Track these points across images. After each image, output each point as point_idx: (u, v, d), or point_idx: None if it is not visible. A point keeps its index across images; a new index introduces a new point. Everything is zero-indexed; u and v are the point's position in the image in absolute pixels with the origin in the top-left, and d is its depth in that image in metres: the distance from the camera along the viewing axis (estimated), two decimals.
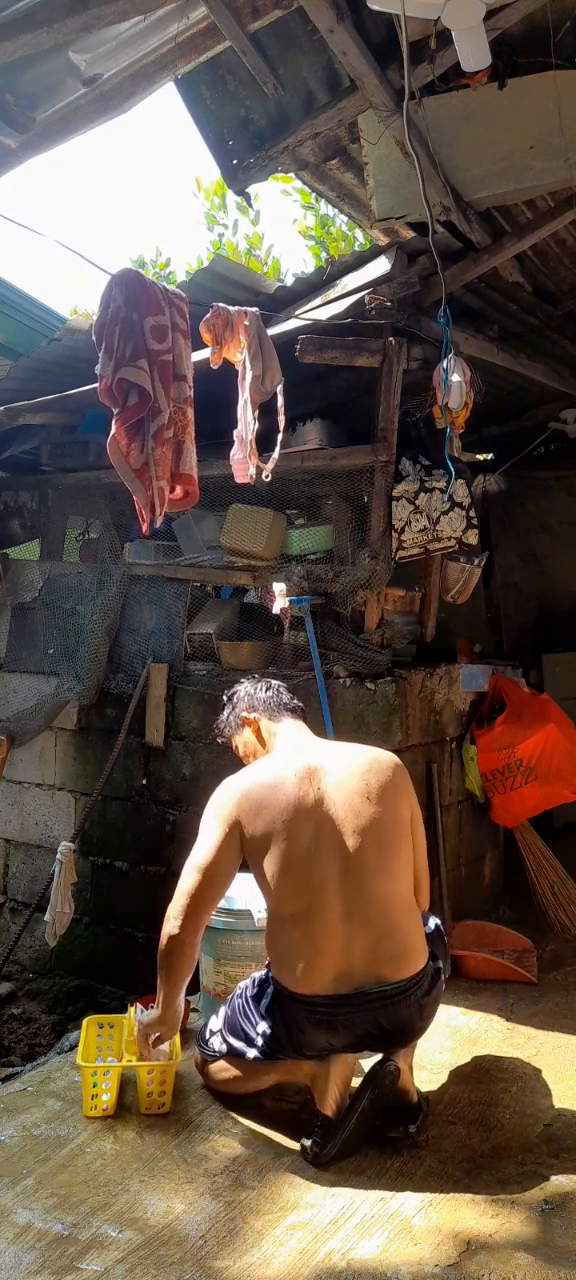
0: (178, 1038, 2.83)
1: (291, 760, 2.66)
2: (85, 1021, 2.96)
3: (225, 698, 3.03)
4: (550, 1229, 2.16)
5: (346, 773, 2.62)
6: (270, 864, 2.52)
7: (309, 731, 2.88)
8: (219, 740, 3.05)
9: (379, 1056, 2.56)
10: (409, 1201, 2.27)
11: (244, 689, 2.96)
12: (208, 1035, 2.79)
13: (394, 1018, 2.50)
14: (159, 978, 2.61)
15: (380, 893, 2.52)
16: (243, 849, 2.58)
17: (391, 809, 2.60)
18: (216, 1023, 2.78)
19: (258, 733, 2.87)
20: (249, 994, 2.68)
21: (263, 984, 2.65)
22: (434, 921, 2.84)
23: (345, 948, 2.48)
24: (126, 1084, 2.74)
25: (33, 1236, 2.11)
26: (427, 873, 2.83)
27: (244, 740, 2.92)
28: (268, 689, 2.92)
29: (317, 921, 2.48)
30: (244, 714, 2.91)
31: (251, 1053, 2.62)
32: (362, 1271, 2.02)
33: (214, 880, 2.56)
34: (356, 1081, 2.60)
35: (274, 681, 2.99)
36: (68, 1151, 2.47)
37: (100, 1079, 2.66)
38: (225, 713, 2.99)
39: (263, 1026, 2.59)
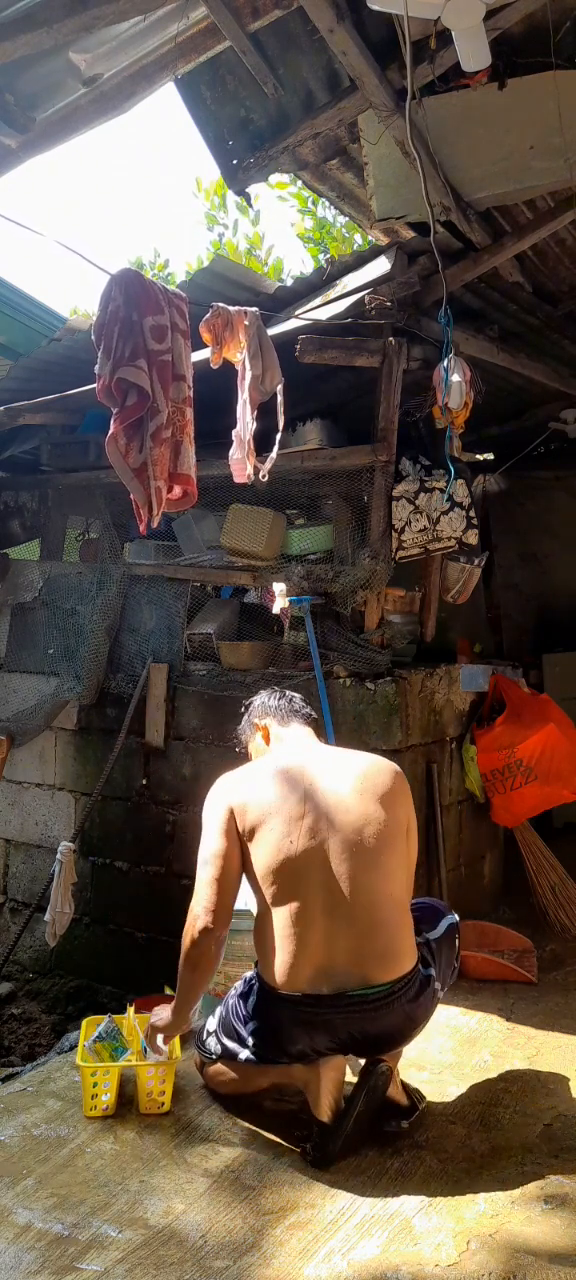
0: (177, 1039, 2.83)
1: (285, 758, 2.73)
2: (85, 1022, 2.96)
3: (243, 707, 3.09)
4: (550, 1229, 2.16)
5: (341, 773, 2.65)
6: (257, 854, 2.54)
7: (315, 738, 2.90)
8: (237, 749, 3.10)
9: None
10: (409, 1201, 2.27)
11: (259, 697, 3.03)
12: (204, 1036, 2.80)
13: (378, 1024, 2.47)
14: (181, 978, 2.59)
15: (367, 888, 2.50)
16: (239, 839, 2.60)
17: (386, 811, 2.58)
18: (212, 1023, 2.78)
19: (266, 737, 2.92)
20: (239, 992, 2.69)
21: (250, 982, 2.66)
22: (447, 922, 2.82)
23: (326, 942, 2.47)
24: (126, 1083, 2.74)
25: (33, 1236, 2.11)
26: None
27: (255, 745, 2.97)
28: (280, 697, 2.98)
29: (299, 912, 2.48)
30: (256, 720, 2.97)
31: (243, 1054, 2.62)
32: (362, 1271, 2.02)
33: (227, 866, 2.57)
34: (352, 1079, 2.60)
35: (289, 691, 3.04)
36: (68, 1151, 2.48)
37: (100, 1079, 2.66)
38: (243, 721, 3.06)
39: (250, 1026, 2.59)
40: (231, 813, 2.59)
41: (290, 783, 2.60)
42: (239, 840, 2.59)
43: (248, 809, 2.58)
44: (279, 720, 2.91)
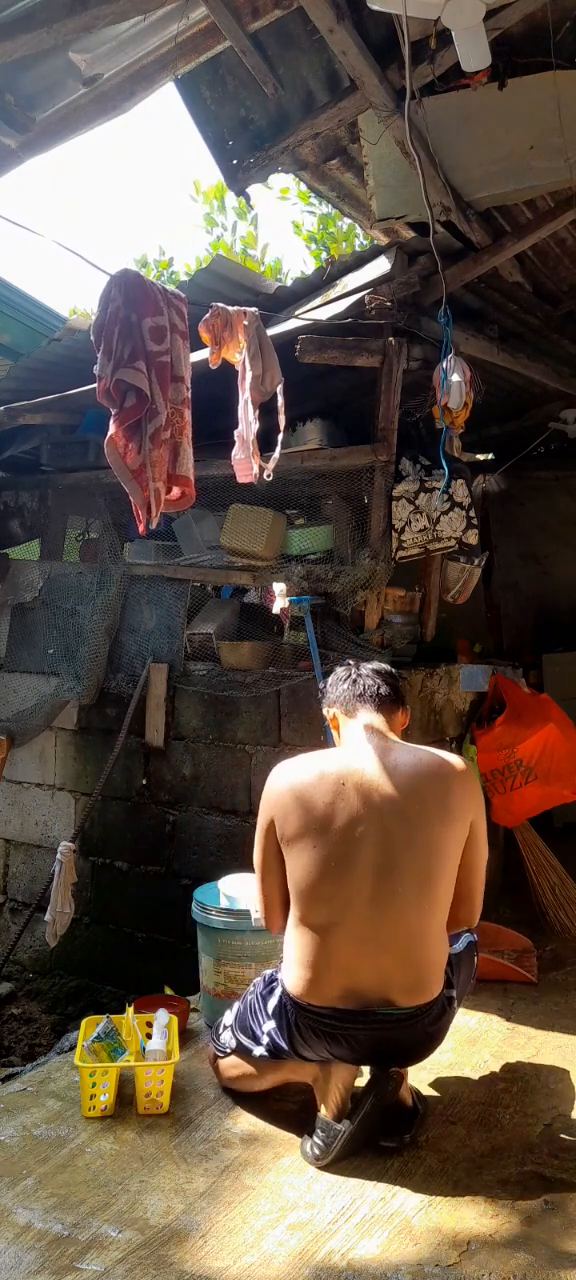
0: (176, 1038, 2.83)
1: (339, 765, 2.53)
2: (84, 1022, 2.96)
3: (319, 693, 2.95)
4: (550, 1229, 2.16)
5: (400, 786, 2.47)
6: (296, 869, 2.50)
7: (382, 726, 2.64)
8: None
9: None
10: (409, 1201, 2.27)
11: (330, 680, 2.83)
12: (220, 1030, 2.80)
13: (399, 1040, 2.48)
14: None
15: (408, 926, 2.44)
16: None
17: (442, 829, 2.47)
18: (229, 1018, 2.79)
19: (337, 727, 2.77)
20: (259, 991, 2.69)
21: (272, 983, 2.65)
22: (467, 939, 2.79)
23: (356, 968, 2.44)
24: (125, 1084, 2.74)
25: (33, 1236, 2.11)
26: (482, 886, 2.65)
27: (335, 734, 2.82)
28: (347, 680, 2.74)
29: (335, 940, 2.45)
30: (325, 710, 2.82)
31: (257, 1050, 2.62)
32: (362, 1271, 2.02)
33: (269, 874, 2.61)
34: (360, 1081, 2.61)
35: (364, 669, 2.76)
36: (67, 1151, 2.48)
37: (98, 1079, 2.66)
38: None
39: (269, 1025, 2.59)
40: (272, 823, 2.56)
41: (341, 797, 2.46)
42: (279, 847, 2.56)
43: (288, 820, 2.50)
44: (344, 710, 2.70)
